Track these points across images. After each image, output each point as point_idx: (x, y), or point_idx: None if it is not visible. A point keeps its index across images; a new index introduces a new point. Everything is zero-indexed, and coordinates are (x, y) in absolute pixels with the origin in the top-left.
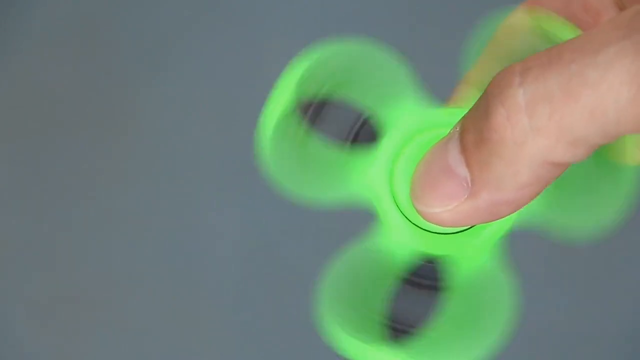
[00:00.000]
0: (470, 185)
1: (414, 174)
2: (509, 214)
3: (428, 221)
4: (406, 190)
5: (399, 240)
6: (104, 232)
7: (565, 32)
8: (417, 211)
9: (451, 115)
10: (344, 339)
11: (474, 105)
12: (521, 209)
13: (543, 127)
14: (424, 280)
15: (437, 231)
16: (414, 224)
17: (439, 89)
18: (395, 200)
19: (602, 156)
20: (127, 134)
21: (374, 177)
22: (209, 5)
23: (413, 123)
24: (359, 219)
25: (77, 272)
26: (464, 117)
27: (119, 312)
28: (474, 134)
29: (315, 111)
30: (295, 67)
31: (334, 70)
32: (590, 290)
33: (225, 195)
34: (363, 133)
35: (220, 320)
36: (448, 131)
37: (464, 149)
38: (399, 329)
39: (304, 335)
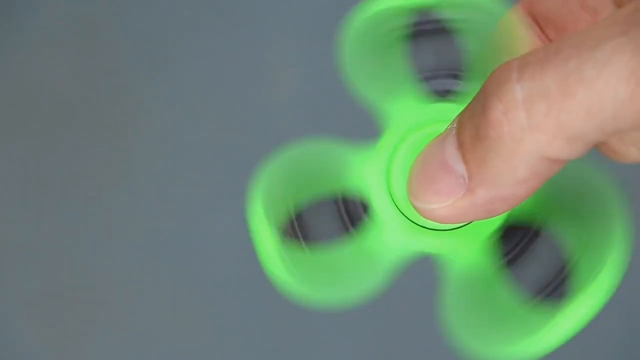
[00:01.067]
0: (467, 181)
1: (410, 171)
2: (506, 211)
3: (425, 218)
4: (403, 187)
5: (391, 236)
6: (104, 232)
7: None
8: (414, 207)
9: (447, 111)
10: (255, 211)
11: (471, 101)
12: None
13: (540, 123)
14: (347, 216)
15: (434, 228)
16: (410, 220)
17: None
18: (391, 197)
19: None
20: (127, 134)
21: (371, 174)
22: (209, 5)
23: (411, 119)
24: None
25: (77, 272)
26: (461, 113)
27: (119, 312)
28: (470, 130)
29: (298, 224)
30: (253, 203)
31: (287, 184)
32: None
33: (225, 196)
34: (352, 211)
35: (221, 320)
36: (444, 127)
37: (461, 145)
38: (295, 231)
39: (304, 335)
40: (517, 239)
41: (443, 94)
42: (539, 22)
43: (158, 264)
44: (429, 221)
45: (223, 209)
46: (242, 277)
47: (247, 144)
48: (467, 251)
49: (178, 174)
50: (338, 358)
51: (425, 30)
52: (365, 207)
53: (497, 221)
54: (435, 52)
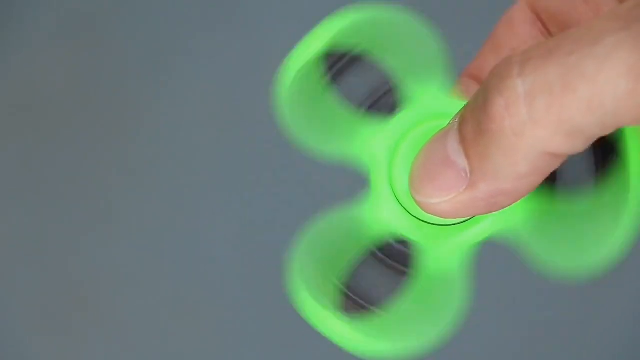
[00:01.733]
0: (468, 176)
1: (413, 165)
2: (508, 205)
3: (426, 212)
4: (404, 178)
5: (382, 215)
6: (104, 232)
7: None
8: (416, 202)
9: (454, 106)
10: (305, 301)
11: (474, 95)
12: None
13: (541, 118)
14: (392, 261)
15: (426, 220)
16: (405, 209)
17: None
18: (390, 177)
19: (606, 183)
20: (128, 134)
21: (376, 149)
22: (210, 6)
23: (426, 107)
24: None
25: (77, 272)
26: (463, 107)
27: (119, 312)
28: (472, 124)
29: (343, 66)
30: (338, 18)
31: (372, 32)
32: (590, 290)
33: (225, 196)
34: (382, 103)
35: (221, 320)
36: (447, 122)
37: (462, 140)
38: (355, 301)
39: (304, 335)
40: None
41: (392, 109)
42: (542, 17)
43: (160, 264)
44: (431, 215)
45: (226, 208)
46: (245, 277)
47: (248, 144)
48: (446, 249)
49: (180, 173)
50: (340, 354)
51: (341, 68)
52: (403, 243)
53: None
54: (361, 79)
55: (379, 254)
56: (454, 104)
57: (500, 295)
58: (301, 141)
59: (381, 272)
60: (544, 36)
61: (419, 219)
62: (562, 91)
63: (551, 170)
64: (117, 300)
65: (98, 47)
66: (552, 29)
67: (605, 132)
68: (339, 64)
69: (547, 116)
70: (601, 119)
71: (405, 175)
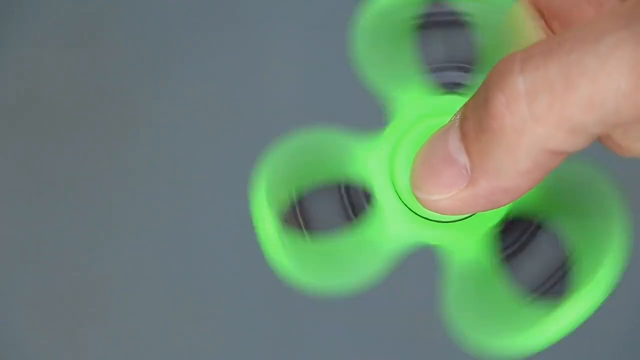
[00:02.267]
0: (469, 173)
1: (414, 162)
2: (508, 202)
3: (427, 209)
4: (406, 178)
5: (394, 226)
6: (104, 232)
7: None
8: (417, 199)
9: (452, 103)
10: (257, 199)
11: (475, 92)
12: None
13: (542, 115)
14: (348, 204)
15: (436, 219)
16: (413, 211)
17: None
18: (395, 188)
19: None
20: (128, 134)
21: (375, 164)
22: (210, 6)
23: (417, 110)
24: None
25: (77, 272)
26: (464, 104)
27: (119, 312)
28: (473, 121)
29: (299, 210)
30: (256, 186)
31: (290, 170)
32: None
33: (227, 194)
34: (355, 201)
35: (221, 320)
36: (449, 119)
37: (464, 137)
38: (296, 217)
39: (304, 335)
40: (517, 233)
41: (451, 87)
42: (545, 15)
43: (158, 264)
44: (432, 212)
45: (225, 208)
46: (244, 275)
47: (248, 144)
48: (468, 244)
49: (179, 172)
50: (339, 348)
51: (437, 22)
52: (367, 196)
53: (499, 214)
54: (445, 44)
55: (343, 191)
56: (441, 102)
57: None
58: (323, 288)
59: (334, 205)
60: (546, 33)
61: (428, 219)
62: (563, 89)
63: (553, 167)
64: (117, 300)
65: (98, 47)
66: (555, 27)
67: (607, 129)
68: (296, 212)
69: (548, 114)
70: (602, 117)
71: (407, 177)
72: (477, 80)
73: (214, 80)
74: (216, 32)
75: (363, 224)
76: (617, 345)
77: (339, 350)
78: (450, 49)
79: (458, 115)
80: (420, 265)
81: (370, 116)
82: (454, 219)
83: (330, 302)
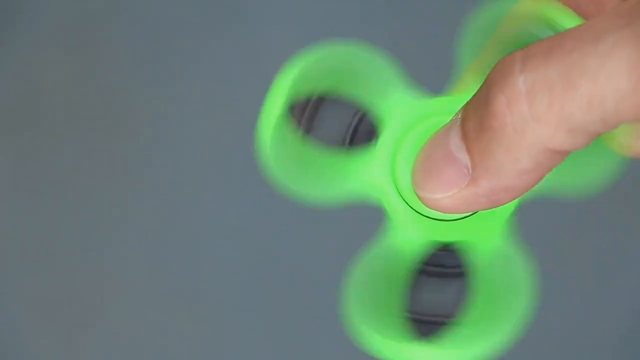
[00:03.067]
0: (470, 171)
1: (415, 161)
2: (509, 201)
3: (429, 208)
4: (409, 180)
5: (409, 233)
6: (104, 232)
7: (567, 19)
8: (419, 198)
9: (452, 103)
10: (377, 341)
11: (476, 92)
12: None
13: (543, 115)
14: (443, 268)
15: (443, 218)
16: (420, 213)
17: (433, 81)
18: (399, 192)
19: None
20: (127, 135)
21: (376, 172)
22: (210, 7)
23: (411, 114)
24: (360, 218)
25: (77, 272)
26: (465, 104)
27: (119, 312)
28: (474, 120)
29: (312, 111)
30: (289, 69)
31: (326, 72)
32: (588, 288)
33: (226, 196)
34: (360, 131)
35: (221, 320)
36: (449, 119)
37: (464, 136)
38: (425, 320)
39: (305, 334)
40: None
41: (368, 141)
42: None
43: (158, 264)
44: (434, 211)
45: (227, 208)
46: (243, 277)
47: (249, 144)
48: (484, 236)
49: (180, 173)
50: (340, 347)
51: (311, 112)
52: (371, 134)
53: (507, 210)
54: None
55: (429, 267)
56: (433, 104)
57: None
58: (299, 195)
59: (438, 283)
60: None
61: (436, 219)
62: (563, 88)
63: (553, 166)
64: (118, 300)
65: (98, 47)
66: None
67: (607, 129)
68: (308, 109)
69: (548, 113)
70: (602, 117)
71: (409, 180)
72: (380, 115)
73: (214, 80)
74: (216, 32)
75: (354, 153)
76: (617, 345)
77: (340, 349)
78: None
79: (459, 115)
80: None
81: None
82: (457, 217)
83: (331, 301)
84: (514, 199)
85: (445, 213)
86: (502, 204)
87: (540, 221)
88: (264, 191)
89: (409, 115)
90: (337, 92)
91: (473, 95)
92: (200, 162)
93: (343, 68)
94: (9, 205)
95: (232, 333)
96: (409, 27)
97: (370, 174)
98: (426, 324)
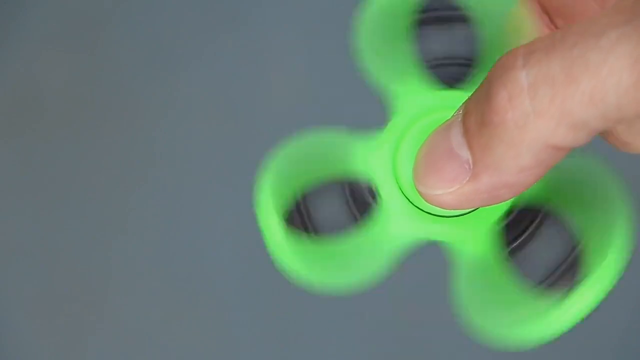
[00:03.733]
0: (472, 167)
1: (416, 156)
2: (510, 198)
3: (429, 203)
4: (409, 173)
5: (399, 223)
6: (104, 232)
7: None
8: (419, 193)
9: (455, 98)
10: (262, 201)
11: (478, 87)
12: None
13: (544, 110)
14: (353, 202)
15: (440, 214)
16: (417, 207)
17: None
18: (398, 184)
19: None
20: (127, 135)
21: (377, 160)
22: (210, 7)
23: (418, 105)
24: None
25: (77, 272)
26: (467, 99)
27: (119, 312)
28: (476, 116)
29: (305, 210)
30: (260, 193)
31: (296, 168)
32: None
33: (230, 194)
34: (359, 199)
35: (221, 320)
36: (452, 114)
37: (466, 132)
38: (302, 219)
39: (305, 334)
40: (523, 224)
41: (452, 82)
42: (549, 11)
43: (158, 264)
44: (435, 207)
45: (228, 209)
46: (243, 277)
47: (248, 145)
48: (473, 238)
49: (181, 173)
50: (342, 346)
51: (437, 17)
52: (372, 193)
53: (502, 208)
54: (447, 39)
55: (347, 189)
56: (442, 97)
57: None
58: (326, 286)
59: (338, 204)
60: (549, 30)
61: (431, 214)
62: (565, 83)
63: (554, 163)
64: (117, 300)
65: (98, 47)
66: (558, 22)
67: (609, 125)
68: (301, 208)
69: (550, 108)
70: (603, 112)
71: (410, 172)
72: (477, 76)
73: (214, 80)
74: (217, 32)
75: (368, 222)
76: (617, 345)
77: (342, 348)
78: (450, 44)
79: (461, 110)
80: (426, 261)
81: (372, 116)
82: (458, 214)
83: (333, 300)
84: (515, 196)
85: (446, 209)
86: (503, 200)
87: None
88: None
89: (418, 105)
90: (315, 181)
91: (474, 91)
92: (201, 162)
93: (308, 161)
94: (10, 205)
95: (236, 331)
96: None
97: (372, 163)
98: (302, 222)
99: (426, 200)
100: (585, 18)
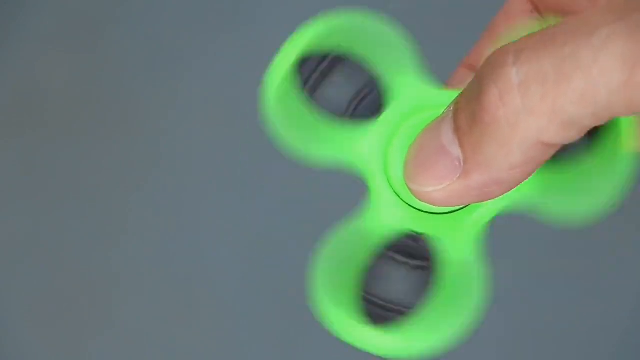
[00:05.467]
0: (462, 164)
1: (407, 153)
2: (500, 194)
3: (420, 200)
4: (400, 169)
5: (387, 216)
6: (104, 233)
7: None
8: (410, 190)
9: (447, 96)
10: (331, 315)
11: (468, 85)
12: (513, 191)
13: (535, 107)
14: (408, 259)
15: (429, 210)
16: (405, 202)
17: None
18: (387, 177)
19: (599, 143)
20: (128, 135)
21: (369, 151)
22: (210, 7)
23: (411, 101)
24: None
25: (77, 272)
26: (458, 96)
27: (119, 312)
28: (467, 113)
29: (325, 70)
30: (308, 27)
31: (345, 36)
32: (586, 287)
33: (226, 196)
34: (366, 103)
35: (221, 320)
36: (443, 111)
37: (457, 129)
38: (382, 306)
39: (305, 334)
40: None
41: (376, 110)
42: (540, 8)
43: (158, 264)
44: (424, 204)
45: (228, 208)
46: (243, 277)
47: (248, 144)
48: (458, 236)
49: (181, 172)
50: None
51: (323, 72)
52: (378, 107)
53: (491, 207)
54: (344, 80)
55: (396, 255)
56: (439, 95)
57: (498, 293)
58: (291, 149)
59: (398, 269)
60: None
61: (420, 210)
62: (556, 81)
63: (545, 159)
64: (117, 300)
65: (98, 47)
66: (550, 19)
67: (599, 122)
68: (320, 68)
69: (541, 106)
70: (594, 110)
71: (401, 167)
72: (389, 91)
73: (215, 80)
74: (217, 32)
75: (358, 124)
76: (617, 346)
77: (342, 348)
78: (349, 83)
79: (451, 107)
80: None
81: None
82: (448, 211)
83: None
84: (505, 192)
85: (436, 206)
86: (493, 197)
87: (540, 220)
88: (265, 190)
89: (413, 101)
90: (354, 57)
91: (465, 88)
92: (202, 162)
93: (362, 35)
94: (10, 205)
95: (236, 332)
96: (418, 26)
97: (364, 152)
98: (382, 310)
99: (416, 197)
100: (575, 15)
